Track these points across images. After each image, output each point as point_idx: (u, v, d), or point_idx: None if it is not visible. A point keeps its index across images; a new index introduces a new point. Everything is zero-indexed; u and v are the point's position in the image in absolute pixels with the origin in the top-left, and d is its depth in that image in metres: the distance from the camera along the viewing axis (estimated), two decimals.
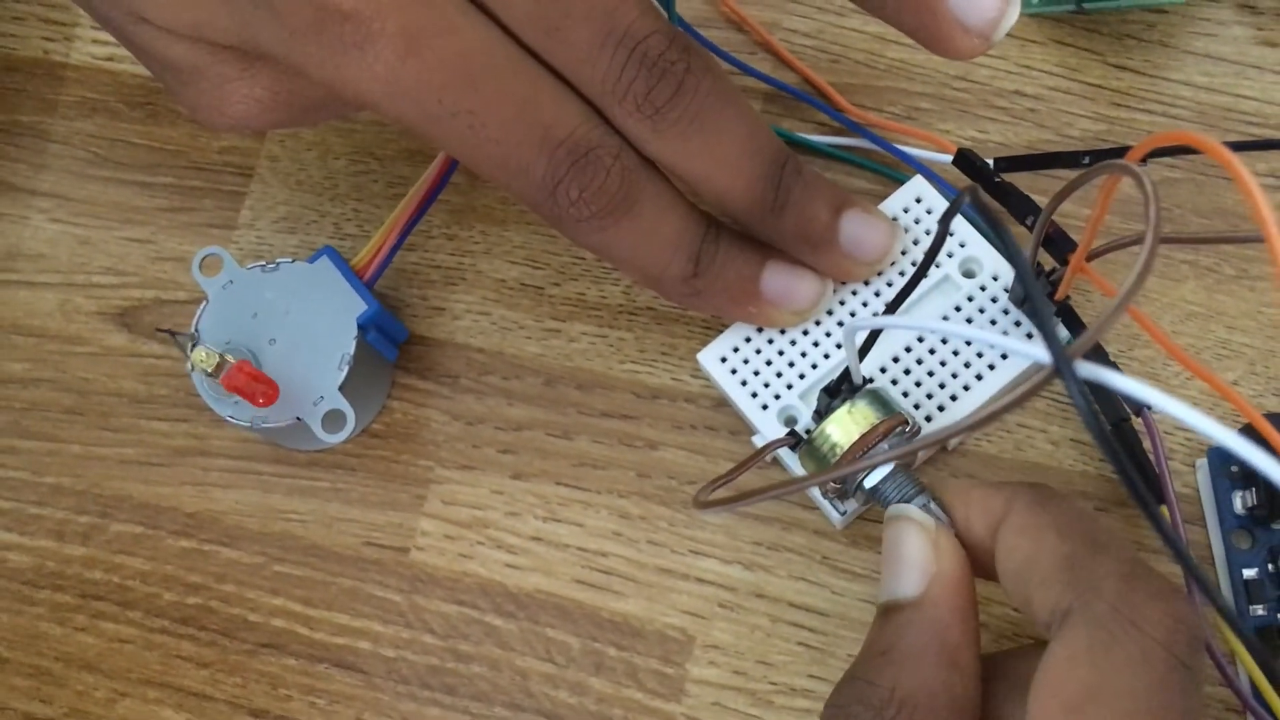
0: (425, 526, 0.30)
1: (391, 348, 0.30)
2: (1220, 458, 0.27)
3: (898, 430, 0.25)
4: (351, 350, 0.28)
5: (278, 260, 0.29)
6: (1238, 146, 0.25)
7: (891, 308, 0.26)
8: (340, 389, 0.28)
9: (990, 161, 0.29)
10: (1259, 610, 0.26)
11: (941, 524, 0.23)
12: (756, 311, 0.27)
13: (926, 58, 0.32)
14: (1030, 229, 0.28)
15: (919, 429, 0.26)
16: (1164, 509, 0.26)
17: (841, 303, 0.28)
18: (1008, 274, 0.28)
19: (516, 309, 0.31)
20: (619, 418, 0.30)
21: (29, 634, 0.30)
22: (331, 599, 0.30)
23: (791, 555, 0.29)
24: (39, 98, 0.34)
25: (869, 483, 0.24)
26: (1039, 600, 0.20)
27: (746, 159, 0.24)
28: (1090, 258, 0.25)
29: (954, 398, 0.27)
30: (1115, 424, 0.27)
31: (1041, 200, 0.27)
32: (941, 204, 0.28)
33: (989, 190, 0.29)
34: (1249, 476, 0.27)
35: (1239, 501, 0.27)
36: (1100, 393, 0.27)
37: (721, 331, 0.28)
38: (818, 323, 0.28)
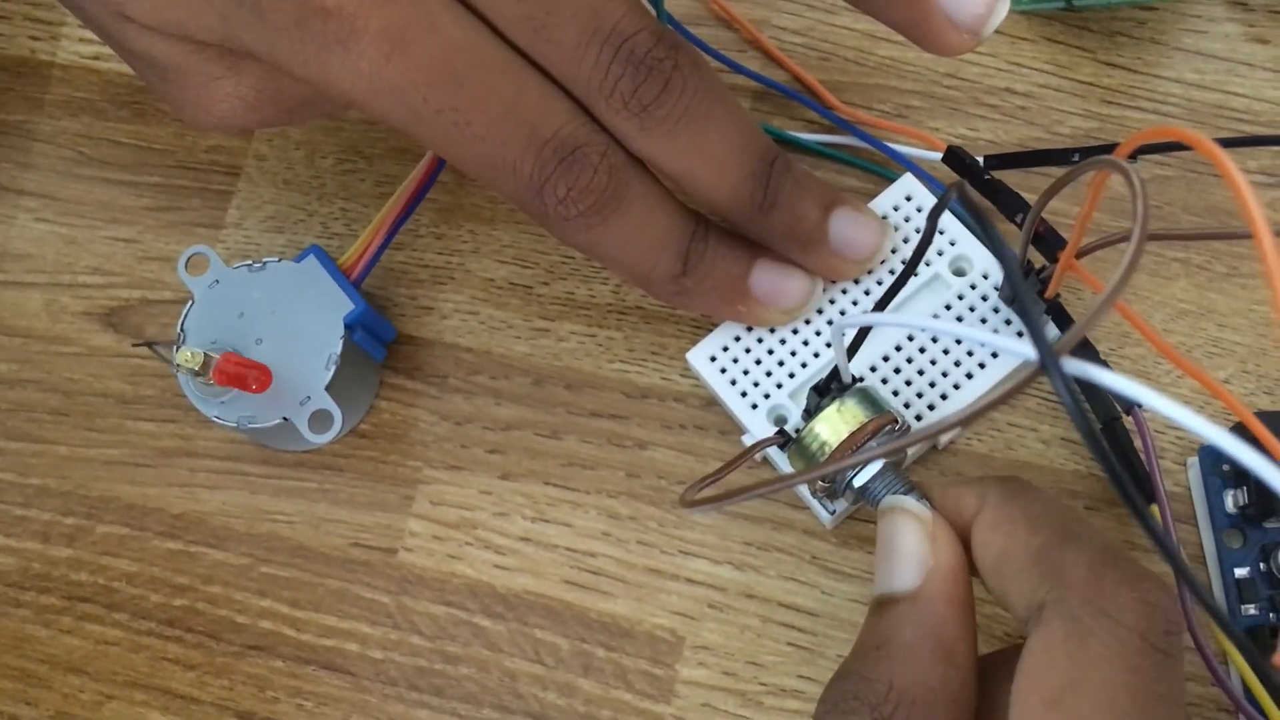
0: (413, 527, 0.29)
1: (379, 347, 0.30)
2: (1211, 456, 0.27)
3: (887, 429, 0.24)
4: (339, 350, 0.28)
5: (264, 259, 0.28)
6: (1228, 143, 0.24)
7: (881, 306, 0.25)
8: (327, 389, 0.28)
9: (980, 159, 0.29)
10: (1250, 610, 0.26)
11: (938, 516, 0.22)
12: (745, 310, 0.27)
13: (916, 55, 0.31)
14: (1020, 226, 0.27)
15: (908, 428, 0.26)
16: (1154, 508, 0.26)
17: (831, 301, 0.28)
18: (998, 272, 0.27)
19: (505, 308, 0.31)
20: (608, 417, 0.30)
21: (15, 636, 0.30)
22: (319, 600, 0.29)
23: (781, 555, 0.28)
24: (25, 97, 0.34)
25: (858, 481, 0.24)
26: (1015, 594, 0.20)
27: (734, 157, 0.24)
28: (1080, 255, 0.25)
29: (944, 396, 0.27)
30: (1105, 422, 0.26)
31: (1032, 198, 0.27)
32: (931, 202, 0.28)
33: (979, 188, 0.29)
34: (1240, 475, 0.27)
35: (1230, 500, 0.27)
36: (1090, 391, 0.27)
37: (711, 330, 0.28)
38: (807, 321, 0.28)
